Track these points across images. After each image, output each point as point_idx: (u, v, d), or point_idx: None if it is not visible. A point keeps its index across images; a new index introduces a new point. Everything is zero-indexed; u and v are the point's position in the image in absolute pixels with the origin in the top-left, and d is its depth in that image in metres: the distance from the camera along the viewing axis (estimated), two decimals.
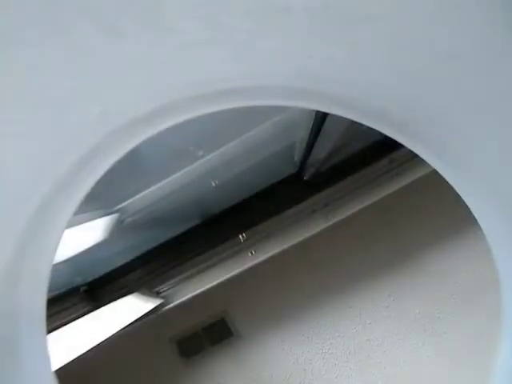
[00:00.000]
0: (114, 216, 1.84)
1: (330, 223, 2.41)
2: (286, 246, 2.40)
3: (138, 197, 1.86)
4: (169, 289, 2.36)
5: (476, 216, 0.76)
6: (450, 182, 0.75)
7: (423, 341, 2.33)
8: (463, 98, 0.61)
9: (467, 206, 0.76)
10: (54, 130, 0.61)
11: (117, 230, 1.90)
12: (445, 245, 2.44)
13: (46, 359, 0.77)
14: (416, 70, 0.62)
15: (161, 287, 2.37)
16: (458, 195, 0.76)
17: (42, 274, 0.77)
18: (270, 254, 2.40)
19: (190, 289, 2.24)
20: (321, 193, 2.43)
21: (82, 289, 2.17)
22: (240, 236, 2.44)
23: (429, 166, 0.77)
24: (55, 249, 0.80)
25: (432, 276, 2.43)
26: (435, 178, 0.78)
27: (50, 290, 0.78)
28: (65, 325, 1.76)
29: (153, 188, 1.84)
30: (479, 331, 1.30)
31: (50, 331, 1.66)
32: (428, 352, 2.28)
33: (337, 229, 2.40)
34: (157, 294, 2.34)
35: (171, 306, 2.26)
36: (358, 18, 0.56)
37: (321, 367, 2.39)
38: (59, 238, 0.80)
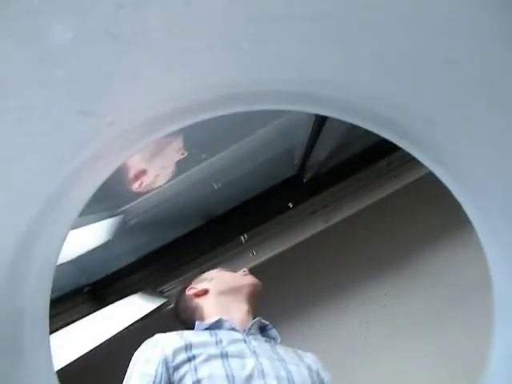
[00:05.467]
0: (118, 218, 1.85)
1: (329, 224, 2.42)
2: (286, 246, 2.42)
3: (141, 199, 1.88)
4: (172, 288, 2.37)
5: (470, 217, 0.77)
6: (446, 184, 0.76)
7: (421, 339, 2.34)
8: (462, 103, 0.63)
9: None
10: (58, 132, 0.62)
11: (121, 232, 1.91)
12: (442, 245, 2.45)
13: (49, 360, 0.77)
14: (415, 76, 0.63)
15: (164, 287, 2.39)
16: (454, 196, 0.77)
17: (45, 275, 0.77)
18: (271, 254, 2.42)
19: None
20: (320, 194, 2.44)
21: (85, 289, 2.18)
22: (241, 237, 2.46)
23: (426, 167, 0.78)
24: (59, 250, 0.80)
25: (429, 275, 2.44)
26: (432, 179, 0.79)
27: (53, 290, 0.79)
28: (68, 325, 1.77)
29: (156, 190, 1.86)
30: (476, 330, 1.31)
31: (53, 331, 1.67)
32: (426, 351, 2.29)
33: (335, 229, 2.42)
34: (160, 294, 2.35)
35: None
36: (358, 25, 0.57)
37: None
38: (63, 239, 0.81)
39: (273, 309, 2.40)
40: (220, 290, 1.54)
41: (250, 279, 1.55)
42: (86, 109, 0.61)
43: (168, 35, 0.57)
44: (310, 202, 2.47)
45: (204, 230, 2.42)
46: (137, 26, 0.54)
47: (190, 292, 1.57)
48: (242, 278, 1.56)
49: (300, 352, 1.49)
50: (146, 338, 1.39)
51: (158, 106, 0.69)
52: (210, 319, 1.44)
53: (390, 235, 2.50)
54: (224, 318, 1.42)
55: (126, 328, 1.83)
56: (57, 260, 0.80)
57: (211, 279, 1.59)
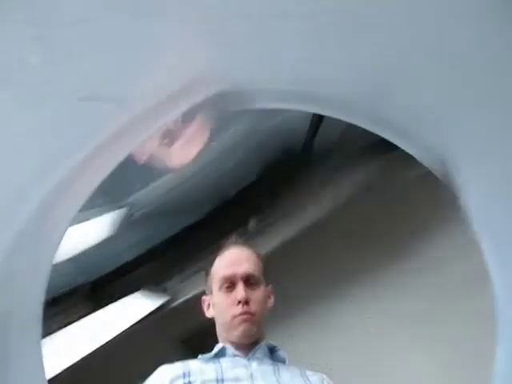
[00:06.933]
0: (122, 210, 1.84)
1: (330, 221, 2.43)
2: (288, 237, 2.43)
3: (146, 190, 1.86)
4: (176, 285, 2.35)
5: (469, 217, 0.76)
6: (445, 183, 0.75)
7: (422, 332, 2.33)
8: (462, 103, 0.62)
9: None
10: (59, 127, 0.62)
11: (123, 226, 1.89)
12: (442, 242, 2.44)
13: (39, 368, 0.76)
14: (415, 74, 0.62)
15: (168, 283, 2.36)
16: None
17: (38, 276, 0.76)
18: (273, 247, 2.42)
19: (197, 284, 2.23)
20: (320, 190, 2.44)
21: (85, 287, 2.13)
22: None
23: (423, 166, 0.77)
24: (55, 249, 0.78)
25: (430, 271, 2.43)
26: (430, 177, 0.78)
27: (53, 289, 0.76)
28: (68, 325, 1.74)
29: (162, 179, 1.83)
30: (477, 325, 1.30)
31: (52, 332, 1.64)
32: (427, 344, 2.29)
33: (336, 225, 2.42)
34: (164, 291, 2.32)
35: (178, 302, 2.25)
36: (355, 22, 0.56)
37: (320, 359, 2.41)
38: (60, 237, 0.79)
39: (277, 303, 2.40)
40: (219, 323, 1.51)
41: (239, 325, 1.47)
42: (91, 95, 0.61)
43: (160, 33, 0.56)
44: (309, 197, 2.46)
45: (208, 221, 2.39)
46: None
47: (203, 304, 1.56)
48: (231, 323, 1.47)
49: (309, 372, 1.46)
50: (149, 338, 1.38)
51: (154, 101, 0.69)
52: (218, 343, 1.42)
53: (391, 231, 2.49)
54: (228, 344, 1.42)
55: (129, 328, 1.81)
56: (52, 260, 0.78)
57: (213, 304, 1.54)
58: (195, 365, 1.35)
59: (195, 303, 1.62)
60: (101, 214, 1.68)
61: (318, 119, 1.84)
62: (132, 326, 1.86)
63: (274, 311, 1.50)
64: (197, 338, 1.59)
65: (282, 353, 1.45)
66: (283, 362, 1.42)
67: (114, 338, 1.73)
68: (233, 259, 1.50)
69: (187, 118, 1.57)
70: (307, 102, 0.72)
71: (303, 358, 2.37)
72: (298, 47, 0.62)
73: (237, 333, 1.41)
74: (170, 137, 1.62)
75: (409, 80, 0.63)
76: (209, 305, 1.50)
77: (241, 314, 1.40)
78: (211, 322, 1.51)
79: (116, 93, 0.64)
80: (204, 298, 1.52)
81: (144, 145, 1.58)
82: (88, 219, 1.59)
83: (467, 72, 0.58)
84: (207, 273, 1.55)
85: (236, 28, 0.58)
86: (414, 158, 0.76)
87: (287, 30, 0.59)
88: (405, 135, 0.72)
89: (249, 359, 1.37)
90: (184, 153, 1.70)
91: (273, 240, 2.44)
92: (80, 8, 0.52)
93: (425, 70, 0.61)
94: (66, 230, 0.79)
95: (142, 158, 1.65)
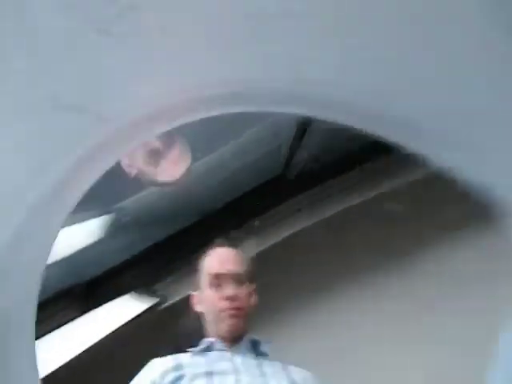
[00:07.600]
0: (112, 215, 1.85)
1: (316, 221, 2.43)
2: (271, 243, 2.43)
3: (135, 197, 1.88)
4: (166, 287, 2.34)
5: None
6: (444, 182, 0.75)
7: (420, 333, 2.35)
8: (461, 100, 0.62)
9: (458, 205, 0.77)
10: (50, 133, 0.61)
11: (113, 229, 1.91)
12: (438, 243, 2.46)
13: (34, 367, 0.75)
14: (415, 74, 0.62)
15: (158, 286, 2.36)
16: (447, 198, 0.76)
17: (33, 275, 0.76)
18: (258, 250, 2.41)
19: (185, 287, 2.22)
20: (305, 192, 2.44)
21: (76, 289, 2.13)
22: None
23: (416, 169, 0.77)
24: (49, 250, 0.78)
25: (425, 271, 2.45)
26: (424, 180, 0.79)
27: (44, 291, 0.77)
28: (60, 326, 1.74)
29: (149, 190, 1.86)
30: (477, 322, 1.32)
31: (45, 334, 1.65)
32: (425, 345, 2.30)
33: (322, 227, 2.42)
34: (153, 293, 2.32)
35: (167, 304, 2.24)
36: (355, 23, 0.56)
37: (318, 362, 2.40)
38: (53, 239, 0.79)
39: (269, 301, 2.39)
40: (207, 317, 1.55)
41: (226, 319, 1.51)
42: (78, 106, 0.60)
43: (161, 33, 0.56)
44: (295, 199, 2.47)
45: (195, 228, 2.41)
46: (132, 24, 0.53)
47: (193, 300, 1.58)
48: (219, 317, 1.51)
49: (291, 368, 1.50)
50: (138, 339, 1.40)
51: (150, 106, 0.68)
52: (206, 338, 1.49)
53: (388, 233, 2.50)
54: (214, 339, 1.46)
55: (117, 329, 1.81)
56: (46, 260, 0.78)
57: (202, 299, 1.57)
58: (186, 358, 1.42)
59: (185, 304, 1.63)
60: (91, 217, 1.69)
61: (297, 140, 1.86)
62: (122, 327, 1.85)
63: (266, 309, 1.51)
64: (187, 337, 1.60)
65: (264, 347, 1.50)
66: (266, 355, 1.47)
67: (105, 338, 1.72)
68: (222, 258, 1.55)
69: (168, 140, 1.63)
70: (307, 104, 0.72)
71: (293, 356, 2.38)
72: (297, 47, 0.62)
73: (224, 326, 1.47)
74: (155, 157, 1.69)
75: (409, 80, 0.63)
76: (198, 300, 1.55)
77: (228, 308, 1.46)
78: (200, 322, 1.54)
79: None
80: (193, 294, 1.57)
81: (133, 160, 1.63)
82: (79, 222, 1.60)
83: (468, 73, 0.59)
84: (195, 270, 1.59)
85: (236, 28, 0.58)
86: (413, 158, 0.76)
87: (287, 29, 0.58)
88: (405, 135, 0.73)
89: (233, 353, 1.41)
90: (170, 172, 1.78)
91: (267, 240, 2.44)
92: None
93: (425, 71, 0.61)
94: (57, 233, 0.79)
95: (132, 172, 1.70)
